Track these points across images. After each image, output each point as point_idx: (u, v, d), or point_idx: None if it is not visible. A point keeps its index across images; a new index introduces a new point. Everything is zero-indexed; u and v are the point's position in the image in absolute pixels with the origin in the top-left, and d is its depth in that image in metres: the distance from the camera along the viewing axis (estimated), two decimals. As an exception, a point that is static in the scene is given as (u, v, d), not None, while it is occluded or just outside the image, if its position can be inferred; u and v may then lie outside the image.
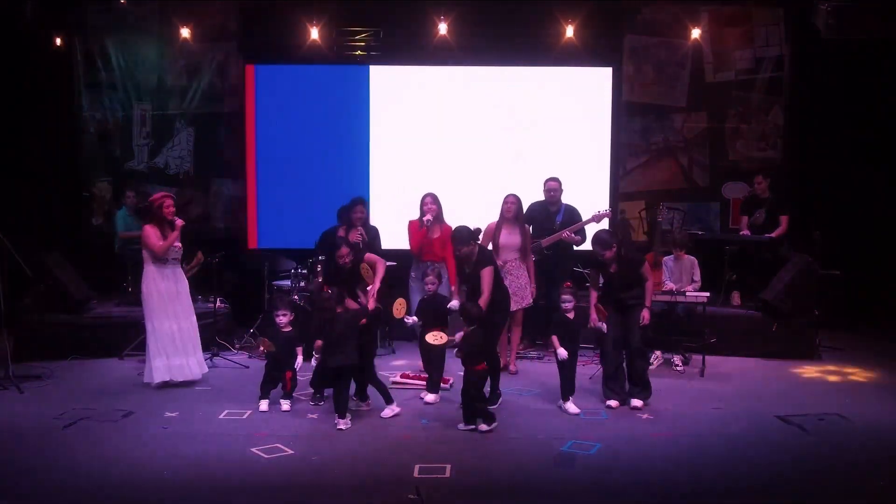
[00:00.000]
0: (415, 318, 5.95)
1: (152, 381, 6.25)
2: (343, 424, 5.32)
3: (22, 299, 7.27)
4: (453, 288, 6.38)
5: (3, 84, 8.39)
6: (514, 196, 6.77)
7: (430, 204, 6.85)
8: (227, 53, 8.97)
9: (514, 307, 6.48)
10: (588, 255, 7.15)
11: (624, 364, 5.95)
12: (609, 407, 5.80)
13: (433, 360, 6.02)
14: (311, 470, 4.63)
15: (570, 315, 5.76)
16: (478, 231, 5.89)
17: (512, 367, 6.82)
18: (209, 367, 6.93)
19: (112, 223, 8.53)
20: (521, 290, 6.68)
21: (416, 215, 7.00)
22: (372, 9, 8.73)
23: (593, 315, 6.04)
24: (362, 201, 7.18)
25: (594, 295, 6.11)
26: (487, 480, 4.51)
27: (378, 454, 4.88)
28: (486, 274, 5.74)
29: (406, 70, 8.81)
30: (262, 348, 5.87)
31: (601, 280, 6.10)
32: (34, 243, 7.47)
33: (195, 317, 6.53)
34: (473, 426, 5.29)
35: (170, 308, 6.31)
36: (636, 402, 5.82)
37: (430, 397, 5.94)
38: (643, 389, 5.89)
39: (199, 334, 6.49)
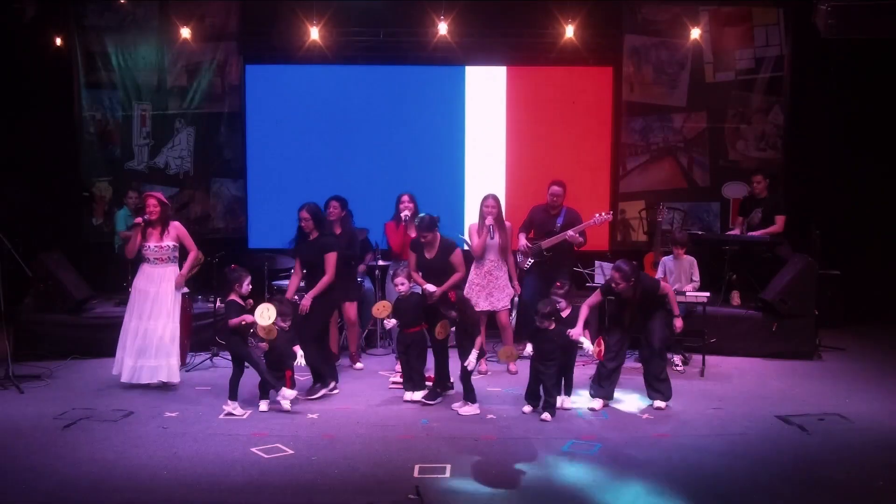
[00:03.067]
0: (394, 320, 6.04)
1: (117, 372, 6.28)
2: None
3: (22, 299, 7.26)
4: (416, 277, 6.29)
5: (3, 84, 8.38)
6: (494, 197, 6.85)
7: (408, 202, 6.98)
8: (227, 53, 8.96)
9: (488, 307, 6.71)
10: (589, 254, 7.16)
11: (622, 365, 5.95)
12: (591, 409, 5.77)
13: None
14: (311, 470, 4.64)
15: (564, 314, 5.83)
16: (437, 219, 6.16)
17: (512, 367, 6.82)
18: (209, 367, 6.94)
19: (112, 223, 8.52)
20: (499, 291, 6.76)
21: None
22: (372, 9, 8.71)
23: (577, 329, 5.69)
24: (336, 198, 7.04)
25: (585, 311, 5.80)
26: (487, 480, 4.51)
27: (378, 454, 4.88)
28: (458, 255, 6.16)
29: (406, 70, 8.80)
30: (264, 334, 5.72)
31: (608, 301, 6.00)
32: (34, 243, 7.47)
33: (175, 322, 6.30)
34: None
35: (143, 308, 6.24)
36: (660, 404, 5.81)
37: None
38: (664, 390, 5.85)
39: (175, 340, 6.26)
